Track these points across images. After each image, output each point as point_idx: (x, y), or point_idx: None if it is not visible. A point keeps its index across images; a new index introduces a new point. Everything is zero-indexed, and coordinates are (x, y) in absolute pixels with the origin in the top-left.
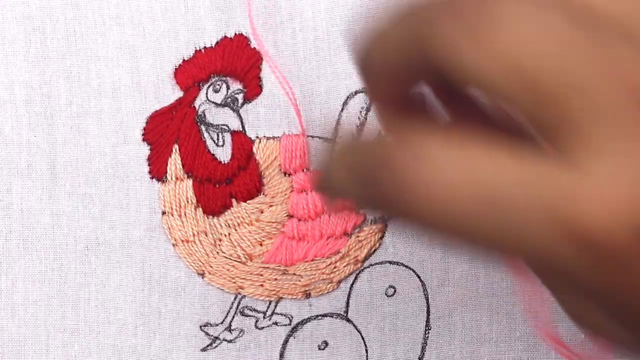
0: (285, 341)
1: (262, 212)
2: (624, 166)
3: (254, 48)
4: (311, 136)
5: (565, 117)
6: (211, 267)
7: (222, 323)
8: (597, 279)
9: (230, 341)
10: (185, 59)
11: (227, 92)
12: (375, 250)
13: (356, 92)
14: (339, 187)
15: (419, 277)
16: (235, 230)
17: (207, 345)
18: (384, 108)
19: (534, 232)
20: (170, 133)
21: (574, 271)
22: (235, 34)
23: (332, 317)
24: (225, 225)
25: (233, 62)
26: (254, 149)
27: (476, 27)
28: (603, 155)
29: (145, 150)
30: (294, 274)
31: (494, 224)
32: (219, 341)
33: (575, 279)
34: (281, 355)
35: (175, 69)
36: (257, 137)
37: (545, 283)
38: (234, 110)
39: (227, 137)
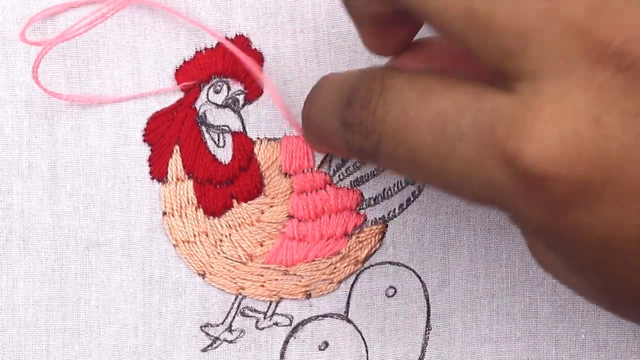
0: (286, 341)
1: (262, 213)
2: (565, 110)
3: (255, 49)
4: None
5: (520, 63)
6: (212, 267)
7: (222, 323)
8: (534, 213)
9: (230, 342)
10: (186, 59)
11: (228, 93)
12: (375, 250)
13: None
14: (320, 116)
15: (419, 277)
16: (236, 230)
17: (208, 346)
18: (360, 24)
19: (475, 158)
20: (171, 134)
21: (510, 202)
22: (236, 34)
23: (332, 317)
24: (226, 225)
25: (234, 63)
26: (255, 150)
27: None
28: (550, 98)
29: (146, 151)
30: (295, 274)
31: (444, 152)
32: (220, 342)
33: (515, 213)
34: (282, 355)
35: (176, 69)
36: (259, 138)
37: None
38: (234, 111)
39: (228, 138)
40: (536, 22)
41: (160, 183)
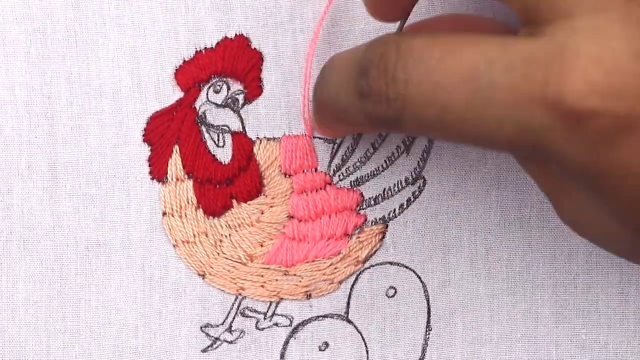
0: (286, 342)
1: (262, 213)
2: (605, 45)
3: (255, 48)
4: (313, 137)
5: (554, 2)
6: (212, 268)
7: (222, 324)
8: (577, 151)
9: (230, 342)
10: (186, 59)
11: (228, 92)
12: (376, 251)
13: None
14: (334, 93)
15: (419, 278)
16: (236, 231)
17: (208, 346)
18: None
19: (513, 105)
20: (171, 134)
21: (551, 143)
22: (236, 34)
23: (332, 318)
24: (226, 226)
25: (234, 62)
26: (255, 150)
27: None
28: (588, 35)
29: (145, 151)
30: (295, 274)
31: (479, 105)
32: (220, 342)
33: (556, 154)
34: (282, 356)
35: (176, 69)
36: (258, 137)
37: (535, 176)
38: (234, 111)
39: (228, 137)
40: None
41: (160, 183)
